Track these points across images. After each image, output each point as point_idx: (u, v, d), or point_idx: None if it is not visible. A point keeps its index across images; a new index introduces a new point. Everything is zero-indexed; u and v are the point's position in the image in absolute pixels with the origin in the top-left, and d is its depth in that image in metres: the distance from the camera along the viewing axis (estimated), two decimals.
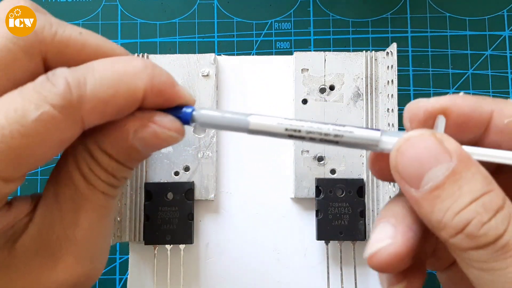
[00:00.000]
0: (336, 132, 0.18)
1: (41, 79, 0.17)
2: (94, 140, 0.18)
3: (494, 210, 0.16)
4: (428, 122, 0.18)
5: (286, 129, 0.18)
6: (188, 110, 0.19)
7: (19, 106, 0.16)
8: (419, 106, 0.18)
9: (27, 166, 0.17)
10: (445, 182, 0.16)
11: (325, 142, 0.18)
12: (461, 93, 0.19)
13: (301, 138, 0.18)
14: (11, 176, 0.17)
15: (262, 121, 0.18)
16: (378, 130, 0.18)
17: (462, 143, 0.17)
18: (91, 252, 0.19)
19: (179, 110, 0.19)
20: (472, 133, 0.19)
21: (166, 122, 0.18)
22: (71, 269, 0.19)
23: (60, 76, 0.16)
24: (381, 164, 0.19)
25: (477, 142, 0.19)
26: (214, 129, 0.23)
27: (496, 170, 0.19)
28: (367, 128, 0.18)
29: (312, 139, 0.18)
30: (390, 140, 0.18)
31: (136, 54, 0.30)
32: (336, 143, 0.18)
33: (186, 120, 0.19)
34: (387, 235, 0.18)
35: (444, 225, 0.16)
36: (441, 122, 0.18)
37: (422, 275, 0.19)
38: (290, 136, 0.18)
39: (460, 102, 0.18)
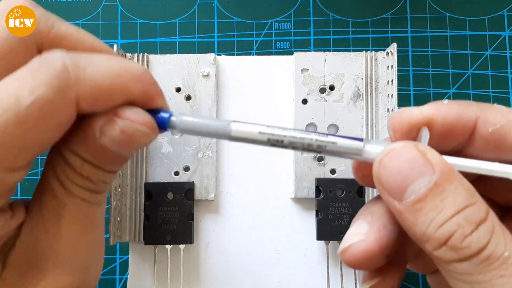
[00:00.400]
0: (318, 143, 0.18)
1: (37, 59, 0.16)
2: (64, 142, 0.17)
3: (476, 223, 0.16)
4: (412, 132, 0.18)
5: (269, 139, 0.18)
6: (166, 115, 0.18)
7: (12, 92, 0.15)
8: (402, 116, 0.18)
9: (29, 154, 0.16)
10: (427, 195, 0.16)
11: (307, 151, 0.18)
12: (445, 101, 0.18)
13: (284, 147, 0.18)
14: (14, 165, 0.16)
15: (244, 129, 0.18)
16: (361, 140, 0.18)
17: (447, 151, 0.17)
18: (79, 264, 0.18)
19: (157, 116, 0.18)
20: (457, 141, 0.18)
21: (130, 114, 0.17)
22: (59, 281, 0.18)
23: (57, 56, 0.16)
24: (365, 171, 0.19)
25: (462, 149, 0.19)
26: (195, 135, 0.21)
27: (478, 178, 0.19)
28: (349, 138, 0.18)
29: (294, 148, 0.18)
30: (373, 150, 0.18)
31: (136, 54, 0.30)
32: (319, 152, 0.18)
33: (163, 124, 0.18)
34: (361, 232, 0.18)
35: (427, 238, 0.16)
36: (425, 134, 0.18)
37: (398, 275, 0.19)
38: (273, 145, 0.18)
39: (444, 111, 0.18)
